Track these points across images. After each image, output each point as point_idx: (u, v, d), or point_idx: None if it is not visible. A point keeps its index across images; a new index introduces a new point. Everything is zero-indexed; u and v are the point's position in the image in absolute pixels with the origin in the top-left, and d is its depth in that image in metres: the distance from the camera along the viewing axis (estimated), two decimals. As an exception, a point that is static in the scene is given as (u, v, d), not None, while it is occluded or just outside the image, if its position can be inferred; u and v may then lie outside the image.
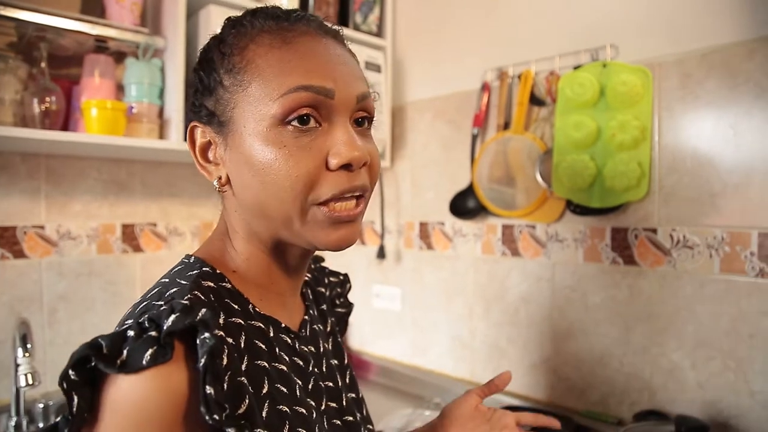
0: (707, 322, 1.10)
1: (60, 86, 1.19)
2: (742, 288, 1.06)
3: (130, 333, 0.45)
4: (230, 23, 0.58)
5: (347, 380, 0.71)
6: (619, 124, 1.15)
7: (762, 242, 1.03)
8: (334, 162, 0.53)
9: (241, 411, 0.48)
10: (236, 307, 0.56)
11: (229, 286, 0.57)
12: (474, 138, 1.42)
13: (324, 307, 0.76)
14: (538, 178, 1.27)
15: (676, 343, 1.14)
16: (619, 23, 1.20)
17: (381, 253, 1.65)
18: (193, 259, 0.58)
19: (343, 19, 1.54)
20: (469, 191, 1.44)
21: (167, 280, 0.55)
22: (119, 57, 1.27)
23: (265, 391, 0.53)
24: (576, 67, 1.24)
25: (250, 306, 0.57)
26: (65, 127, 1.22)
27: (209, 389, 0.44)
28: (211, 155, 0.58)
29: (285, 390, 0.55)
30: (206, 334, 0.45)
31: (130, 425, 0.44)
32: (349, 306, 0.84)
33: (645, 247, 1.17)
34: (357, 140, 0.54)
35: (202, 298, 0.52)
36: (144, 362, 0.43)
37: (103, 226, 1.39)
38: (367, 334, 1.79)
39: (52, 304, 1.30)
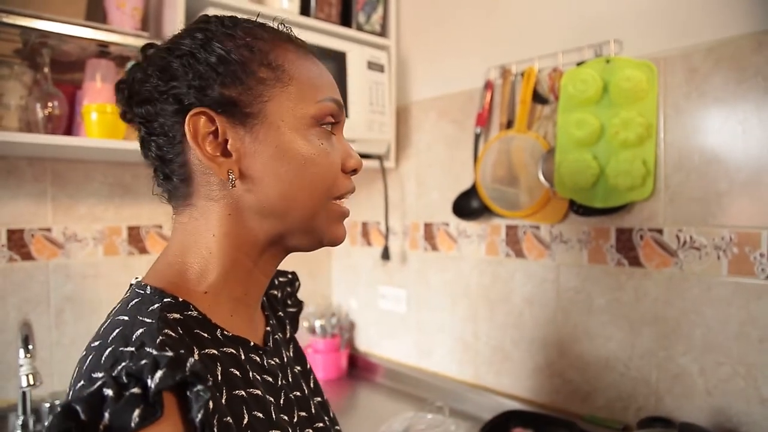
0: (715, 325, 1.06)
1: (64, 91, 1.21)
2: (751, 290, 1.01)
3: (108, 392, 0.41)
4: (226, 22, 0.57)
5: (311, 385, 0.71)
6: (623, 121, 1.12)
7: (772, 243, 0.99)
8: (351, 166, 0.60)
9: None
10: (206, 335, 0.53)
11: (195, 313, 0.53)
12: (477, 137, 1.40)
13: (280, 312, 0.75)
14: (541, 177, 1.24)
15: (684, 348, 1.10)
16: (623, 17, 1.17)
17: (385, 255, 1.64)
18: (149, 289, 0.53)
19: (346, 19, 1.53)
20: (472, 191, 1.42)
21: (126, 317, 0.50)
22: (122, 61, 1.29)
23: (245, 421, 0.51)
24: (579, 64, 1.21)
25: (218, 331, 0.55)
26: (69, 132, 1.24)
27: None
28: (219, 146, 0.54)
29: (261, 415, 0.54)
30: (199, 387, 0.42)
31: None
32: (299, 305, 0.82)
33: (651, 248, 1.14)
34: None
35: (173, 335, 0.48)
36: (133, 425, 0.40)
37: (109, 229, 1.41)
38: (373, 336, 1.78)
39: (59, 305, 1.33)
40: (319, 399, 0.70)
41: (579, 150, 1.18)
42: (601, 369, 1.22)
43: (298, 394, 0.65)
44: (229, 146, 0.54)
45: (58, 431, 0.39)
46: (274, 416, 0.55)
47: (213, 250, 0.56)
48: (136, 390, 0.41)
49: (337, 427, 0.70)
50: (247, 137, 0.54)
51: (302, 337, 1.77)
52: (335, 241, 0.60)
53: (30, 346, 1.08)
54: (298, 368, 0.70)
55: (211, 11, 1.23)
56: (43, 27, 1.10)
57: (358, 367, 1.78)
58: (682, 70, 1.09)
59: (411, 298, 1.64)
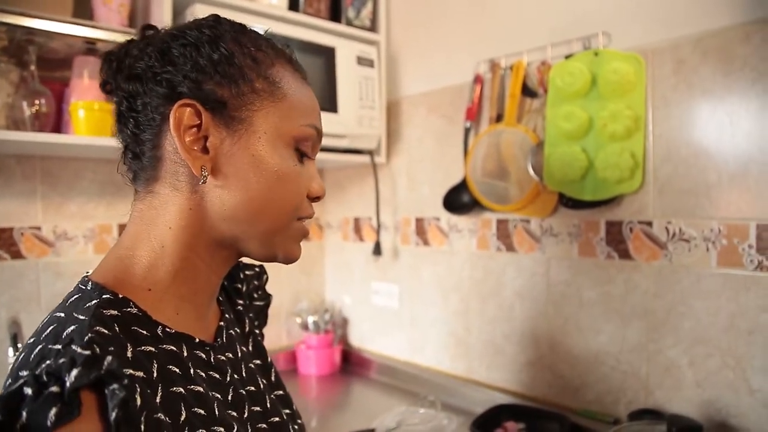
0: (705, 318, 1.06)
1: (52, 88, 1.21)
2: (740, 282, 1.01)
3: (27, 391, 0.41)
4: (234, 26, 0.58)
5: (272, 378, 0.71)
6: (611, 113, 1.11)
7: (760, 234, 0.99)
8: (315, 191, 0.61)
9: None
10: (145, 332, 0.52)
11: (135, 310, 0.53)
12: (467, 131, 1.40)
13: (241, 305, 0.74)
14: (530, 170, 1.24)
15: (673, 340, 1.10)
16: (612, 9, 1.17)
17: (377, 250, 1.64)
18: (90, 285, 0.53)
19: (336, 14, 1.53)
20: (462, 186, 1.41)
21: (62, 314, 0.50)
22: (109, 58, 1.28)
23: (183, 418, 0.50)
24: (568, 57, 1.21)
25: (160, 329, 0.54)
26: (57, 129, 1.23)
27: None
28: (198, 142, 0.54)
29: (203, 412, 0.53)
30: (115, 386, 0.42)
31: None
32: (267, 298, 0.81)
33: (640, 241, 1.14)
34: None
35: (106, 332, 0.48)
36: (49, 423, 0.39)
37: (100, 227, 1.41)
38: (367, 332, 1.78)
39: (49, 303, 1.32)
40: (280, 392, 0.70)
41: (568, 143, 1.18)
42: (592, 362, 1.22)
43: (252, 389, 0.64)
44: (208, 143, 0.54)
45: None
46: (217, 413, 0.55)
47: (166, 245, 0.56)
48: (54, 389, 0.41)
49: (299, 421, 0.70)
50: (227, 139, 0.55)
51: (295, 333, 1.78)
52: (290, 259, 0.61)
53: (19, 345, 1.08)
54: (258, 362, 0.70)
55: (199, 7, 1.22)
56: (30, 24, 1.09)
57: (351, 363, 1.78)
58: (670, 61, 1.08)
59: (403, 294, 1.64)
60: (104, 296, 0.51)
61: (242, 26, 0.59)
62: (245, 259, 0.83)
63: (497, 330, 1.41)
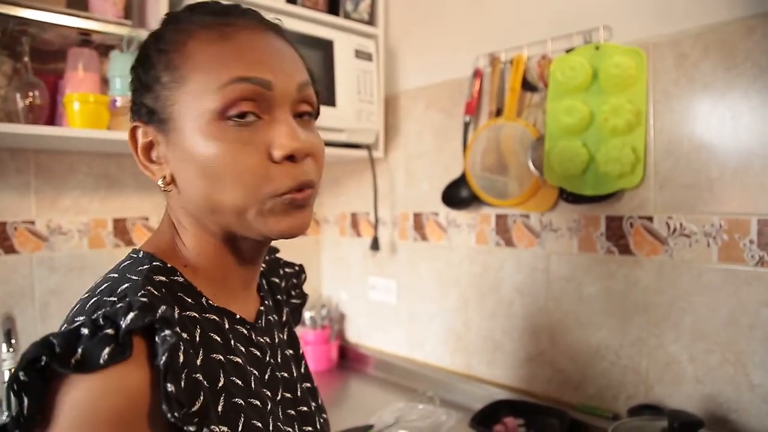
0: (705, 313, 1.06)
1: (46, 80, 1.18)
2: (741, 277, 1.01)
3: (84, 331, 0.44)
4: (168, 19, 0.58)
5: (302, 370, 0.72)
6: (612, 108, 1.11)
7: (761, 229, 0.98)
8: (277, 154, 0.52)
9: (195, 408, 0.47)
10: (190, 300, 0.55)
11: (182, 279, 0.56)
12: (466, 126, 1.39)
13: (279, 297, 0.76)
14: (530, 165, 1.23)
15: (674, 335, 1.10)
16: (613, 3, 1.16)
17: (375, 245, 1.63)
18: (142, 254, 0.56)
19: (334, 7, 1.51)
20: (461, 181, 1.40)
21: (116, 275, 0.53)
22: (105, 50, 1.26)
23: (221, 384, 0.52)
24: (568, 51, 1.20)
25: (204, 299, 0.57)
26: (51, 122, 1.21)
27: (170, 387, 0.44)
28: (154, 155, 0.57)
29: (240, 382, 0.55)
30: (167, 332, 0.45)
31: (87, 427, 0.43)
32: (303, 297, 0.83)
33: (641, 236, 1.13)
34: (299, 131, 0.53)
35: (156, 293, 0.50)
36: (101, 361, 0.42)
37: (95, 221, 1.39)
38: (364, 327, 1.77)
39: (43, 298, 1.30)
40: (308, 385, 0.71)
41: (569, 137, 1.17)
42: (592, 358, 1.22)
43: (286, 375, 0.65)
44: (159, 154, 0.56)
45: (32, 356, 0.42)
46: (253, 386, 0.57)
47: (183, 234, 0.59)
48: (109, 330, 0.44)
49: (324, 415, 0.71)
50: (164, 144, 0.55)
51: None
52: (283, 235, 0.55)
53: (13, 340, 1.07)
54: (291, 352, 0.71)
55: (195, -2, 1.20)
56: (23, 14, 1.07)
57: (348, 359, 1.77)
58: (672, 56, 1.08)
59: (401, 289, 1.64)
60: (154, 263, 0.55)
61: (185, 10, 0.57)
62: (284, 256, 0.84)
63: (496, 325, 1.40)
